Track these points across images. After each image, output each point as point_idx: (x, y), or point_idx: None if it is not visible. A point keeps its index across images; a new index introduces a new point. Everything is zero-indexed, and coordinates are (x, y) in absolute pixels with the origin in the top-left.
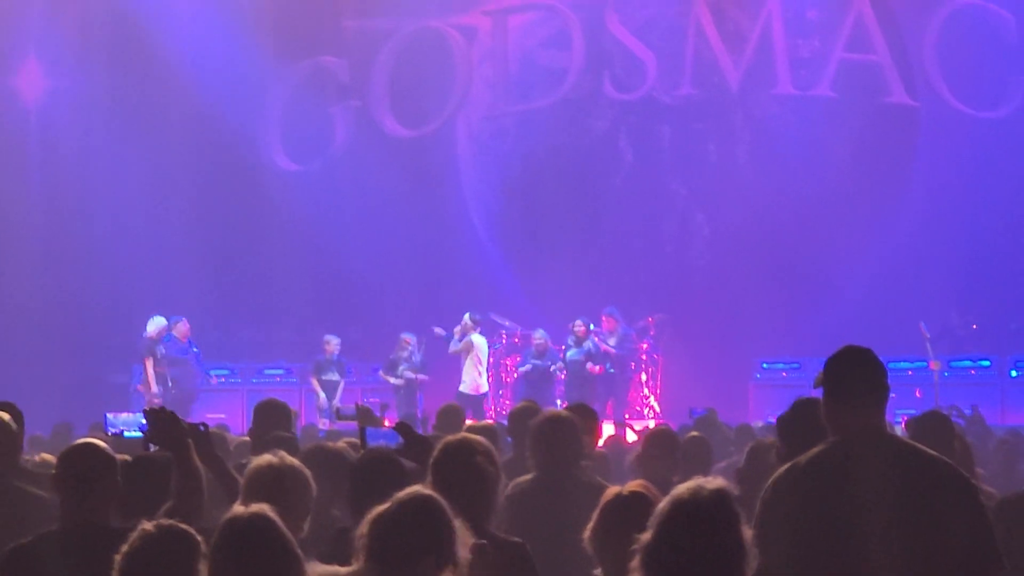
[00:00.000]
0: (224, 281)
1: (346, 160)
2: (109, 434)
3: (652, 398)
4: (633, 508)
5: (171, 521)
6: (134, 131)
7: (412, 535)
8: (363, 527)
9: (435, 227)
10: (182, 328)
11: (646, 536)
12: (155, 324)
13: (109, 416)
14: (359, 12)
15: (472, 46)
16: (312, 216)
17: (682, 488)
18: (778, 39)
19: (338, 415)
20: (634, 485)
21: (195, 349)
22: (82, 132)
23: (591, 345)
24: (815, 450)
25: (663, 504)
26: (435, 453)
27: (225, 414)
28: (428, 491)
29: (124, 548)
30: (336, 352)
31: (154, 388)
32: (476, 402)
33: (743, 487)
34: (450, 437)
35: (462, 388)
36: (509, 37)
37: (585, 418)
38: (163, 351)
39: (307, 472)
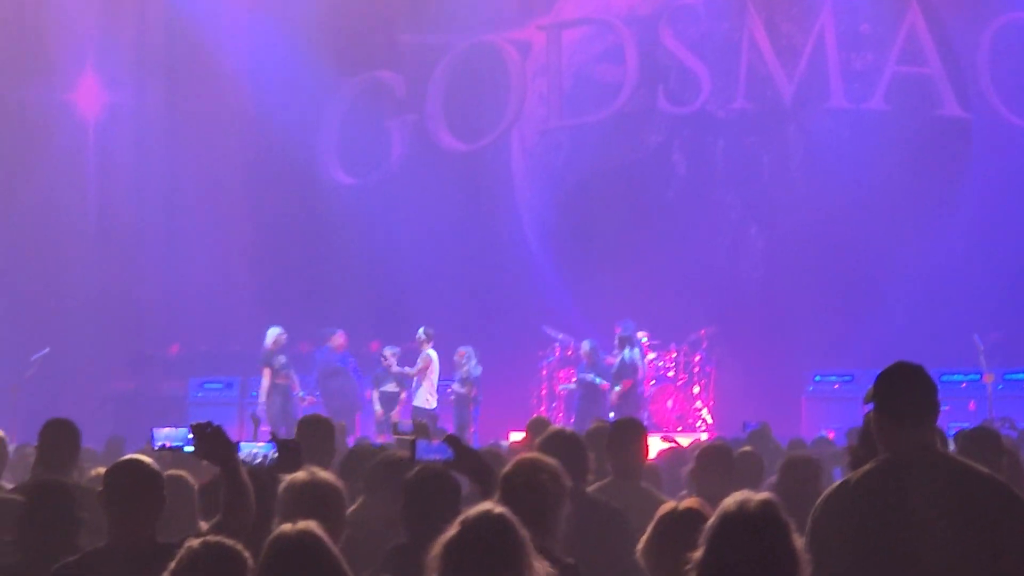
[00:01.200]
0: (280, 294)
1: (402, 174)
2: (155, 448)
3: (705, 410)
4: (686, 524)
5: (219, 538)
6: (191, 145)
7: (490, 555)
8: (437, 548)
9: (489, 240)
10: (339, 339)
11: (698, 553)
12: (272, 335)
13: (155, 430)
14: (415, 27)
15: (527, 61)
16: (368, 229)
17: (729, 501)
18: (831, 53)
19: (395, 431)
20: (689, 502)
21: (352, 359)
22: (139, 146)
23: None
24: (865, 467)
25: (712, 519)
26: (505, 468)
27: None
28: (500, 508)
29: (171, 565)
30: (395, 365)
31: (262, 399)
32: (432, 416)
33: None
34: (523, 454)
35: (417, 403)
36: (563, 52)
37: (633, 432)
38: (282, 362)
39: (341, 486)
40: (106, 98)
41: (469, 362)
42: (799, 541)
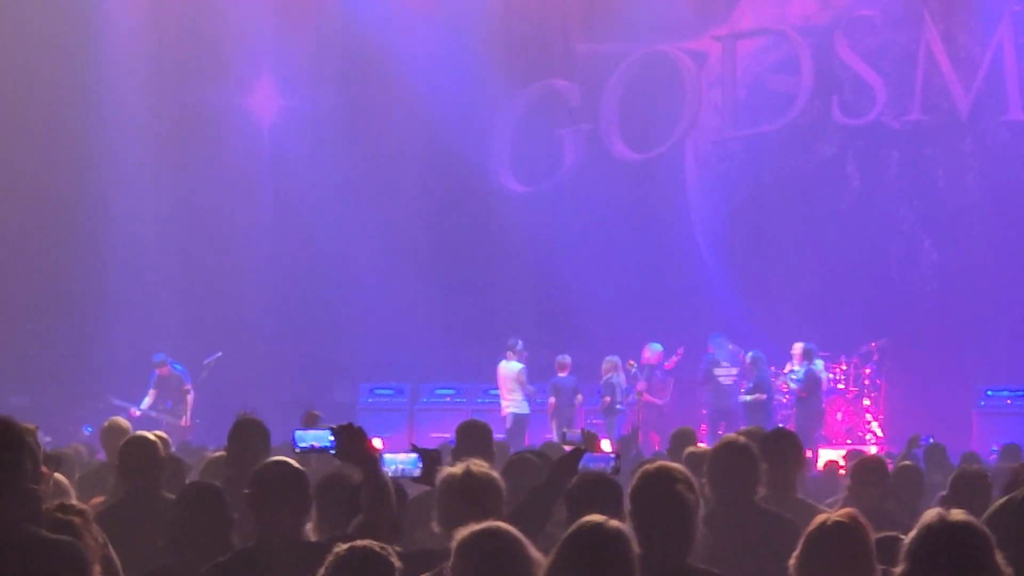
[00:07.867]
0: (450, 301)
1: (574, 182)
2: (296, 451)
3: (875, 423)
4: (839, 537)
5: (368, 542)
6: (365, 151)
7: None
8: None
9: (661, 250)
10: None
11: (900, 568)
12: (652, 350)
13: (298, 433)
14: (590, 36)
15: (702, 71)
16: (539, 237)
17: (930, 514)
18: (1009, 65)
19: (563, 439)
20: (841, 513)
21: None
22: (314, 151)
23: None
24: None
25: (914, 533)
26: (633, 481)
27: (450, 434)
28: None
29: (321, 570)
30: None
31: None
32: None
33: None
34: (648, 465)
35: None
36: (738, 62)
37: (787, 443)
38: (660, 376)
39: (498, 480)
40: (282, 103)
41: (613, 372)
42: (999, 556)
